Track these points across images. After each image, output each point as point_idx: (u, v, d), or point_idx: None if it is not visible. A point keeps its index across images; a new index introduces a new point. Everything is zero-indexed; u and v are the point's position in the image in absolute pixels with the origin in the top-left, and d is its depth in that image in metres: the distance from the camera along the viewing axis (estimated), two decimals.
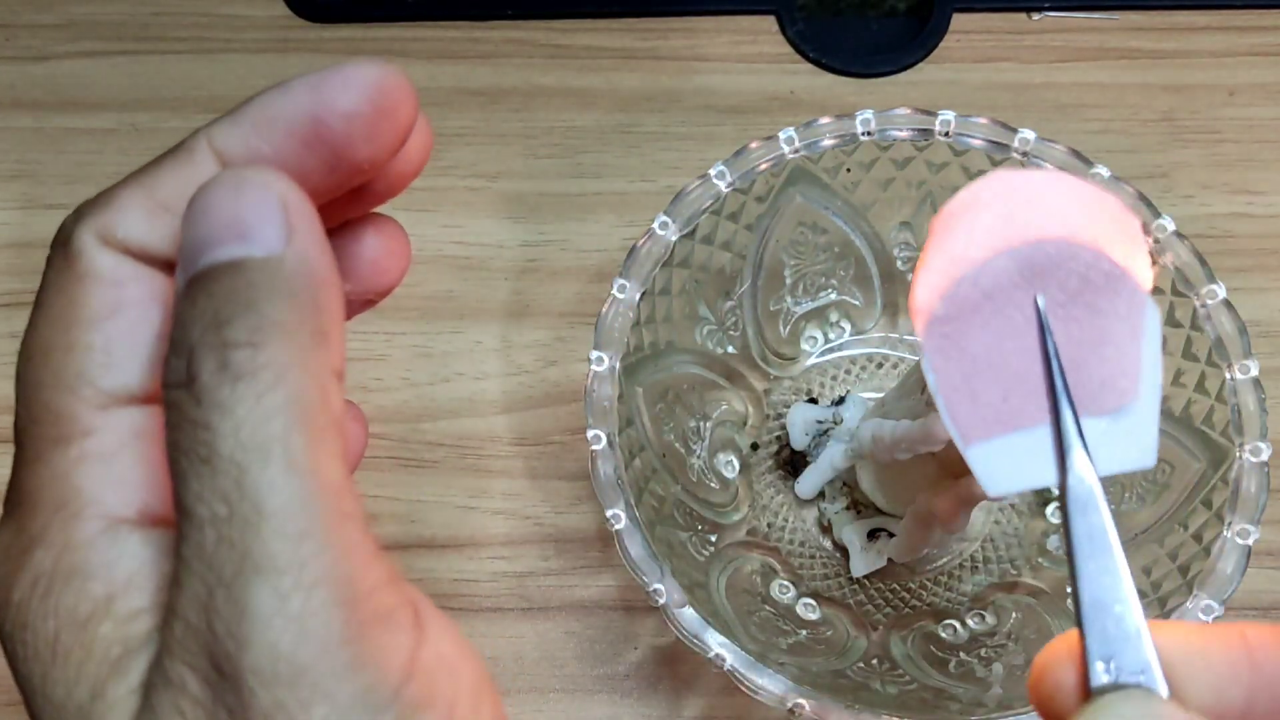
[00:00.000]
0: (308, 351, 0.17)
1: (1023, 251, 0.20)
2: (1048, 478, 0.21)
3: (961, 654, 0.41)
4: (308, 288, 0.18)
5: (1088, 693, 0.19)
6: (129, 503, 0.19)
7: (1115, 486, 0.42)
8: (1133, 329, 0.21)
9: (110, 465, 0.19)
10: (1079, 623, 0.20)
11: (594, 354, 0.38)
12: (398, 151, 0.20)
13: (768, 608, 0.41)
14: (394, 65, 0.20)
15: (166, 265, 0.20)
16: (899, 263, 0.45)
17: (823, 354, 0.47)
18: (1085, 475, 0.21)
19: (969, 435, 0.21)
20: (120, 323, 0.19)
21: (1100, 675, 0.19)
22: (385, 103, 0.19)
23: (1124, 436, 0.21)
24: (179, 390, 0.17)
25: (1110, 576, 0.20)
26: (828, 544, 0.44)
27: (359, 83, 0.19)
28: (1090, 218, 0.21)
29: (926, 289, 0.21)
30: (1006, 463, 0.21)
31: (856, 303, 0.46)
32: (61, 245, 0.19)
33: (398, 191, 0.21)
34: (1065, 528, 0.20)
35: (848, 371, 0.46)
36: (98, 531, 0.18)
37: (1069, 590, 0.19)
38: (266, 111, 0.19)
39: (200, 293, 0.18)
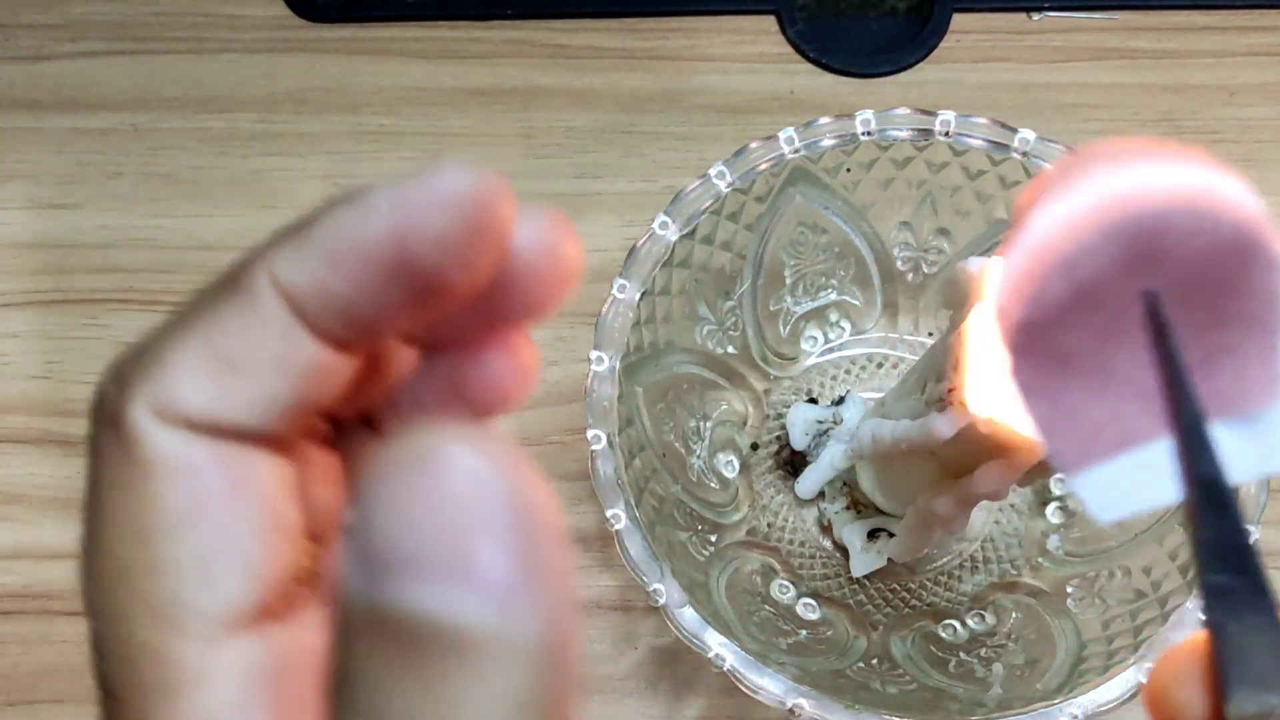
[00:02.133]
0: None
1: (1124, 228, 0.16)
2: (1168, 495, 0.17)
3: (961, 654, 0.41)
4: (547, 683, 0.12)
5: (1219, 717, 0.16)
6: None
7: None
8: (1271, 311, 0.17)
9: None
10: (1213, 645, 0.17)
11: (594, 354, 0.38)
12: (496, 271, 0.16)
13: (768, 608, 0.41)
14: (483, 167, 0.16)
15: (243, 435, 0.16)
16: (899, 263, 0.45)
17: (823, 354, 0.46)
18: (1216, 485, 0.16)
19: (1072, 461, 0.17)
20: (209, 525, 0.15)
21: (1235, 703, 0.16)
22: (481, 218, 0.16)
23: (1261, 436, 0.17)
24: None
25: (1248, 601, 0.16)
26: (828, 544, 0.44)
27: (449, 197, 0.15)
28: (1202, 180, 0.16)
29: (1007, 290, 0.16)
30: (1119, 484, 0.18)
31: (856, 303, 0.46)
32: (109, 425, 0.16)
33: (543, 315, 0.17)
34: (1194, 543, 0.17)
35: (848, 371, 0.46)
36: None
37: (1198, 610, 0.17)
38: (340, 238, 0.16)
39: (409, 657, 0.12)
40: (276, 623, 0.16)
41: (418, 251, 0.15)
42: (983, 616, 0.42)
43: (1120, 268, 0.16)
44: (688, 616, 0.35)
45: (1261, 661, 0.16)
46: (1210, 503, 0.16)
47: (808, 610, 0.42)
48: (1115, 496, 0.18)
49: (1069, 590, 0.41)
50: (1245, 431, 0.17)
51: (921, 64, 0.54)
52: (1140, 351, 0.16)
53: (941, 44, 0.54)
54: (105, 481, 0.16)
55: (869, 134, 0.40)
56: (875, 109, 0.40)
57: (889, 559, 0.42)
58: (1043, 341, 0.17)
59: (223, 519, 0.15)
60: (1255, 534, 0.36)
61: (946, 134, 0.40)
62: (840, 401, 0.44)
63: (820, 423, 0.44)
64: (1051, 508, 0.44)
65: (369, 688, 0.12)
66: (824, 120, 0.40)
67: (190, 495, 0.15)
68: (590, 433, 0.37)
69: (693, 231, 0.40)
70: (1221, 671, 0.16)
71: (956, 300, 0.32)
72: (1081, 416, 0.17)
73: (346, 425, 0.19)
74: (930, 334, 0.46)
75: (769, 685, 0.35)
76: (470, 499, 0.12)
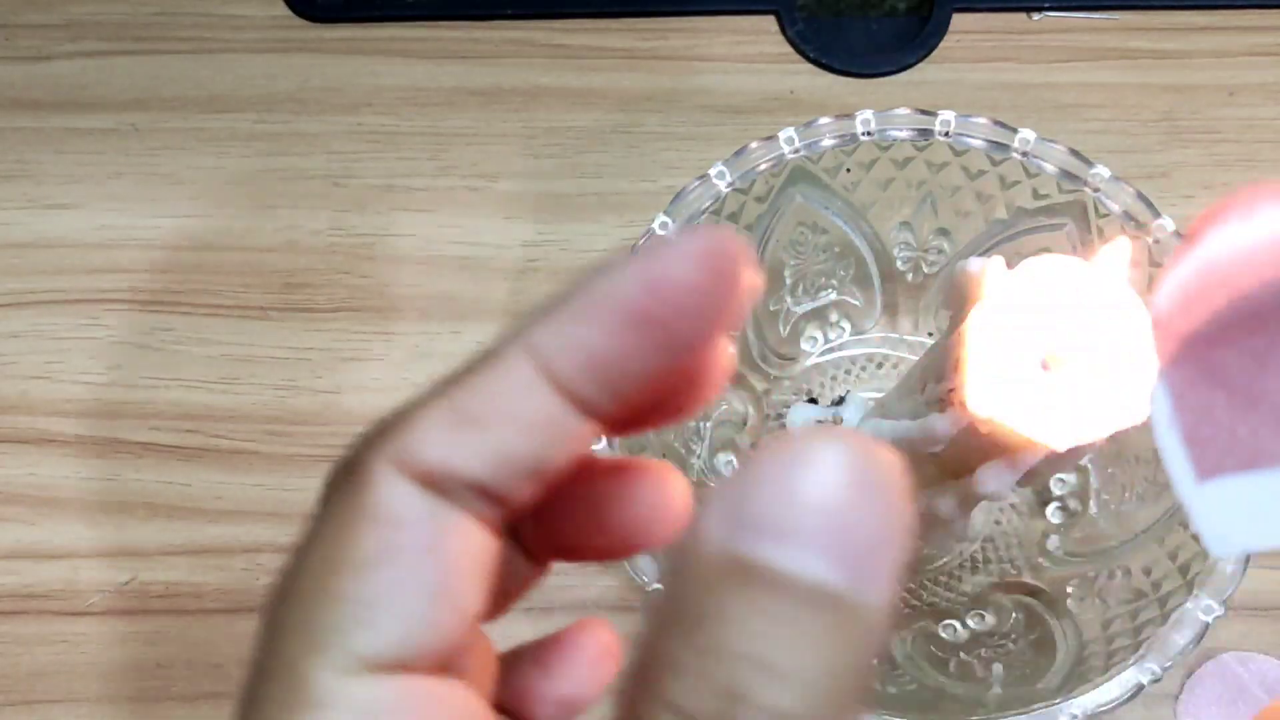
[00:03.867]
0: None
1: None
2: None
3: (961, 654, 0.41)
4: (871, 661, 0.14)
5: None
6: None
7: (1116, 487, 0.42)
8: None
9: None
10: None
11: None
12: (731, 321, 0.18)
13: None
14: (723, 229, 0.17)
15: (469, 490, 0.17)
16: (899, 263, 0.45)
17: (823, 354, 0.46)
18: None
19: (1204, 473, 0.18)
20: (392, 574, 0.16)
21: None
22: (722, 265, 0.17)
23: None
24: None
25: None
26: None
27: (694, 253, 0.16)
28: None
29: (1174, 302, 0.17)
30: (1242, 509, 0.18)
31: (856, 303, 0.46)
32: (347, 473, 0.17)
33: (696, 409, 0.19)
34: None
35: (848, 371, 0.46)
36: None
37: None
38: (592, 296, 0.17)
39: (766, 602, 0.14)
40: (419, 676, 0.16)
41: (664, 299, 0.16)
42: (983, 616, 0.42)
43: None
44: None
45: None
46: None
47: None
48: (1236, 524, 0.18)
49: (1069, 590, 0.41)
50: None
51: (921, 64, 0.54)
52: None
53: (941, 44, 0.54)
54: (327, 517, 0.17)
55: (869, 134, 0.40)
56: (875, 109, 0.40)
57: None
58: (1200, 355, 0.17)
59: (408, 572, 0.16)
60: None
61: (946, 134, 0.40)
62: (840, 401, 0.44)
63: (820, 423, 0.44)
64: (1051, 508, 0.44)
65: (717, 620, 0.14)
66: (824, 120, 0.40)
67: (388, 543, 0.16)
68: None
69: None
70: None
71: (956, 300, 0.32)
72: (1223, 430, 0.17)
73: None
74: (930, 334, 0.46)
75: None
76: (848, 489, 0.14)
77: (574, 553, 0.21)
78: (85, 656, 0.45)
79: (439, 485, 0.16)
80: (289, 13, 0.55)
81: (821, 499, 0.14)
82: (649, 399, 0.18)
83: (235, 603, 0.45)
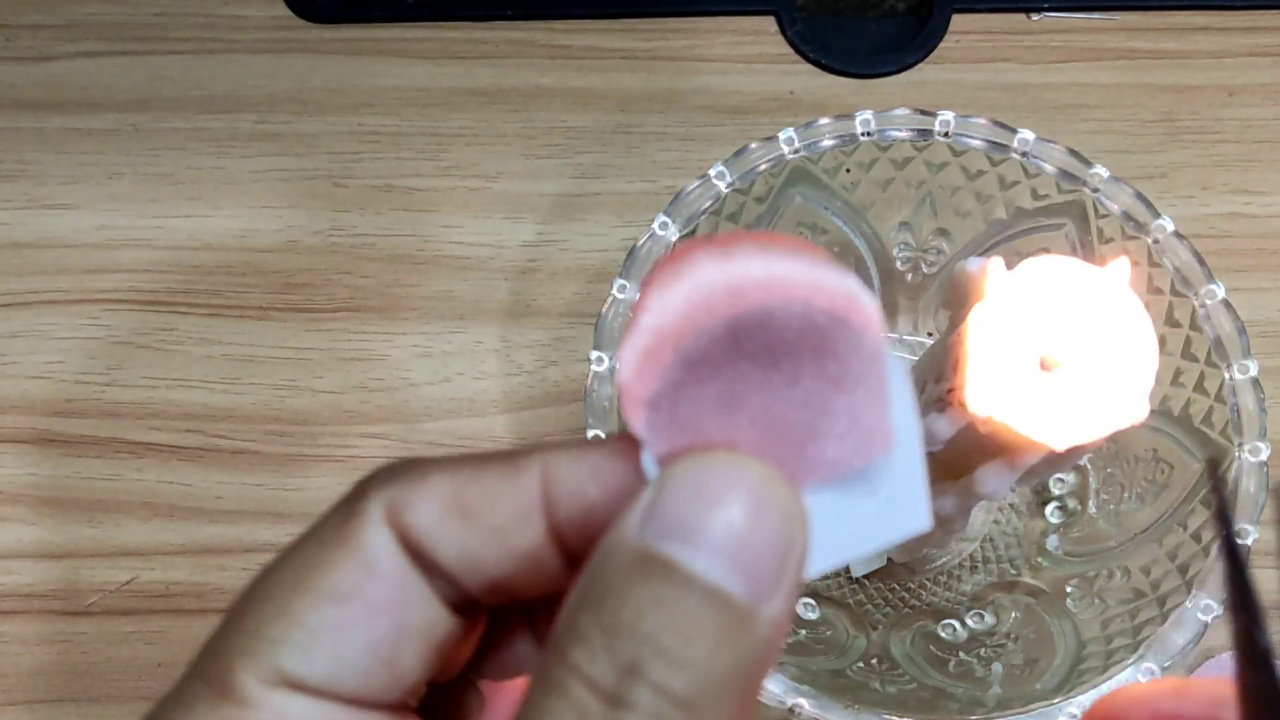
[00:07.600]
0: None
1: (730, 318, 0.18)
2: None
3: (961, 653, 0.41)
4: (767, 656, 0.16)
5: None
6: None
7: (1115, 487, 0.42)
8: (873, 371, 0.18)
9: None
10: None
11: (594, 354, 0.38)
12: None
13: None
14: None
15: (436, 570, 0.18)
16: (898, 263, 0.45)
17: None
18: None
19: None
20: (345, 614, 0.17)
21: None
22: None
23: (887, 499, 0.18)
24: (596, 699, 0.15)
25: None
26: None
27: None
28: (795, 271, 0.18)
29: (627, 369, 0.18)
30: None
31: None
32: (348, 500, 0.18)
33: None
34: None
35: None
36: None
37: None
38: (611, 453, 0.18)
39: (670, 593, 0.15)
40: (328, 703, 0.17)
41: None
42: (982, 616, 0.42)
43: (728, 347, 0.18)
44: None
45: None
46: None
47: (807, 610, 0.42)
48: None
49: (1068, 590, 0.41)
50: (868, 487, 0.18)
51: (921, 64, 0.54)
52: (756, 413, 0.18)
53: (941, 44, 0.54)
54: (315, 537, 0.18)
55: (868, 134, 0.40)
56: (874, 109, 0.40)
57: (889, 558, 0.42)
58: (670, 413, 0.18)
59: (360, 623, 0.17)
60: (1254, 534, 0.36)
61: (946, 134, 0.40)
62: None
63: None
64: (1051, 508, 0.44)
65: (624, 602, 0.15)
66: (823, 120, 0.40)
67: (354, 587, 0.17)
68: (590, 433, 0.37)
69: (693, 232, 0.40)
70: None
71: (955, 300, 0.32)
72: None
73: None
74: (929, 334, 0.46)
75: (768, 685, 0.35)
76: (756, 509, 0.16)
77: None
78: (86, 656, 0.45)
79: (416, 553, 0.18)
80: (289, 13, 0.55)
81: (731, 515, 0.16)
82: None
83: None
